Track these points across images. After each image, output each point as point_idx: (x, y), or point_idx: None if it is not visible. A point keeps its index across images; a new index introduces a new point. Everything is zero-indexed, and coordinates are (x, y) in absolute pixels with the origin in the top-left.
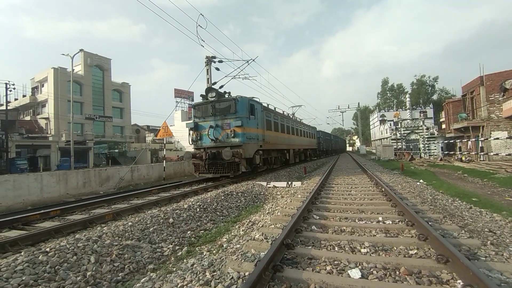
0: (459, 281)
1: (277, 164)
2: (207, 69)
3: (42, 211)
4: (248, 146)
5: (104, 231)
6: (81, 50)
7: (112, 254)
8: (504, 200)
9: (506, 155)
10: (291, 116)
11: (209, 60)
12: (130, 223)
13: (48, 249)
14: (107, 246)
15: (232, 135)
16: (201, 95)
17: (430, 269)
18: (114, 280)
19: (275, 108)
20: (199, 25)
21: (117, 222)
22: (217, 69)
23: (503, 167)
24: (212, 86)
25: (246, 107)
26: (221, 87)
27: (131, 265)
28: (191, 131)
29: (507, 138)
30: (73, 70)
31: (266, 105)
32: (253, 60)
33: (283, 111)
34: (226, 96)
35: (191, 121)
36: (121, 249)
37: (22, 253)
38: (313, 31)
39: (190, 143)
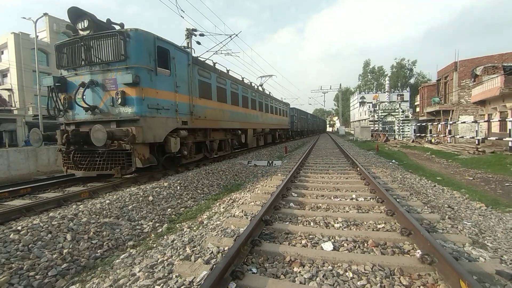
0: (418, 251)
1: (226, 149)
2: (188, 42)
3: (11, 188)
4: (151, 121)
5: (80, 209)
6: (45, 14)
7: (90, 231)
8: (464, 179)
9: (470, 137)
10: (256, 88)
11: (190, 33)
12: (107, 201)
13: (20, 228)
14: (83, 224)
15: (120, 101)
16: (67, 27)
17: (395, 241)
18: (92, 257)
19: (228, 70)
20: None
21: (94, 200)
22: (198, 43)
23: (466, 149)
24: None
25: (147, 50)
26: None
27: (110, 242)
28: (52, 93)
29: (472, 122)
30: (37, 36)
31: (203, 60)
32: (236, 35)
33: (251, 82)
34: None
35: (51, 75)
36: (99, 227)
37: None
38: (298, 7)
39: (53, 113)
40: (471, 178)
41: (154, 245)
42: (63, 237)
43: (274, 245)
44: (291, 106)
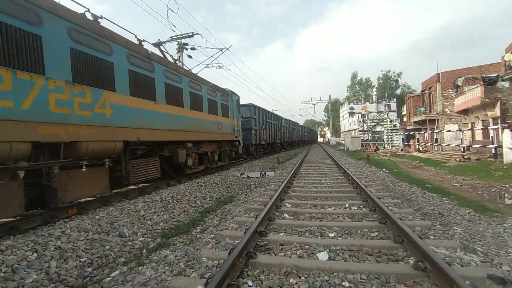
0: (412, 257)
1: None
2: (179, 56)
3: None
4: None
5: (68, 225)
6: None
7: (78, 249)
8: (452, 186)
9: (456, 145)
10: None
11: (181, 47)
12: (97, 217)
13: (3, 247)
14: (72, 241)
15: None
16: None
17: (388, 248)
18: (81, 275)
19: None
20: (170, 9)
21: (82, 216)
22: (190, 56)
23: (453, 156)
24: None
25: None
26: None
27: (100, 259)
28: None
29: (457, 130)
30: None
31: None
32: (227, 49)
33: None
34: None
35: None
36: (88, 244)
37: None
38: (287, 23)
39: None
40: (459, 184)
41: (146, 261)
42: (50, 256)
43: (269, 256)
44: (253, 105)
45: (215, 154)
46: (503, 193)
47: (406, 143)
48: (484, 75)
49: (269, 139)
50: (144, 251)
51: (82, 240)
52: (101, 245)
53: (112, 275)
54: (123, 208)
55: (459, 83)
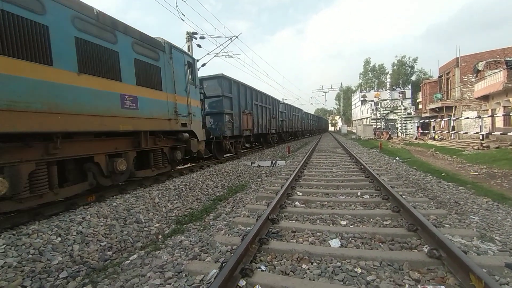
0: (426, 246)
1: None
2: (188, 46)
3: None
4: None
5: (88, 212)
6: None
7: (98, 234)
8: (469, 174)
9: (474, 133)
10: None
11: (190, 36)
12: (115, 204)
13: (30, 231)
14: (92, 227)
15: None
16: None
17: (402, 236)
18: (102, 258)
19: None
20: None
21: (101, 203)
22: (199, 45)
23: (471, 144)
24: None
25: None
26: (203, 65)
27: (119, 244)
28: None
29: (476, 117)
30: None
31: None
32: (236, 37)
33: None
34: None
35: None
36: (107, 229)
37: (1, 236)
38: (297, 9)
39: None
40: (477, 173)
41: (162, 246)
42: (72, 239)
43: (281, 243)
44: (231, 78)
45: (122, 158)
46: None
47: (421, 132)
48: (508, 59)
49: (258, 128)
50: (160, 236)
51: (101, 226)
52: (119, 231)
53: (131, 258)
54: (139, 196)
55: (480, 68)
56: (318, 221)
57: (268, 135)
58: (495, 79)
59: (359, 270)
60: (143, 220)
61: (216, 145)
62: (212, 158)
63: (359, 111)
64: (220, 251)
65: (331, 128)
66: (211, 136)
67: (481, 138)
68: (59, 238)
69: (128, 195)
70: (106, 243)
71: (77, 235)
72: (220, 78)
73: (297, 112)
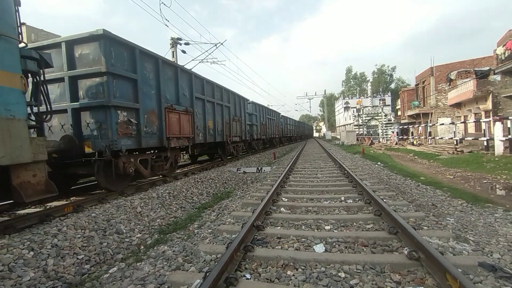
0: (406, 248)
1: None
2: (173, 52)
3: None
4: None
5: (64, 223)
6: (23, 23)
7: (75, 247)
8: (445, 178)
9: (449, 138)
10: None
11: (175, 42)
12: (93, 214)
13: None
14: (68, 239)
15: None
16: None
17: (383, 240)
18: (79, 272)
19: None
20: (162, 3)
21: (78, 214)
22: (184, 51)
23: (446, 149)
24: None
25: None
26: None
27: (97, 256)
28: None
29: (450, 123)
30: None
31: None
32: (222, 44)
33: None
34: None
35: None
36: (85, 241)
37: None
38: (283, 17)
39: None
40: (452, 176)
41: (144, 257)
42: (46, 253)
43: (267, 250)
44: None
45: None
46: (494, 184)
47: (401, 137)
48: (477, 69)
49: (207, 135)
50: (142, 247)
51: (79, 238)
52: (98, 242)
53: (110, 271)
54: (120, 205)
55: (452, 77)
56: (303, 227)
57: (227, 145)
58: (466, 88)
59: (342, 275)
60: (124, 231)
61: (104, 169)
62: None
63: (342, 118)
64: (205, 260)
65: (316, 134)
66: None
67: (455, 143)
68: (31, 253)
69: (108, 205)
70: (83, 256)
71: (52, 249)
72: (105, 40)
73: (273, 116)
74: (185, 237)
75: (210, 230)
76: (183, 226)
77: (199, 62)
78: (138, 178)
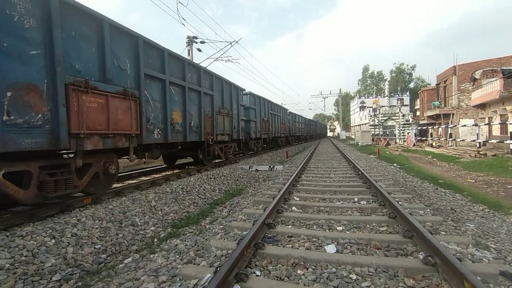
0: (421, 252)
1: None
2: (189, 50)
3: None
4: None
5: (83, 214)
6: None
7: (93, 236)
8: (466, 182)
9: (471, 141)
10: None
11: (191, 40)
12: (110, 207)
13: (24, 233)
14: (87, 229)
15: None
16: None
17: (397, 243)
18: (96, 261)
19: None
20: (179, 2)
21: (96, 205)
22: (199, 50)
23: (468, 152)
24: None
25: None
26: None
27: (113, 247)
28: None
29: (473, 125)
30: None
31: None
32: (237, 42)
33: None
34: None
35: None
36: (102, 232)
37: None
38: (297, 15)
39: None
40: (473, 181)
41: (158, 250)
42: (67, 242)
43: (277, 248)
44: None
45: None
46: None
47: (419, 138)
48: (504, 68)
49: (168, 132)
50: (155, 240)
51: (96, 228)
52: (114, 233)
53: (125, 261)
54: (135, 198)
55: (477, 76)
56: (315, 227)
57: (208, 146)
58: (492, 88)
59: (354, 276)
60: (139, 223)
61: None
62: None
63: (358, 117)
64: (215, 255)
65: (329, 134)
66: None
67: (478, 145)
68: (53, 240)
69: (124, 198)
70: (100, 246)
71: (72, 238)
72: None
73: (278, 111)
74: (197, 232)
75: (221, 226)
76: (195, 221)
77: (214, 60)
78: None
